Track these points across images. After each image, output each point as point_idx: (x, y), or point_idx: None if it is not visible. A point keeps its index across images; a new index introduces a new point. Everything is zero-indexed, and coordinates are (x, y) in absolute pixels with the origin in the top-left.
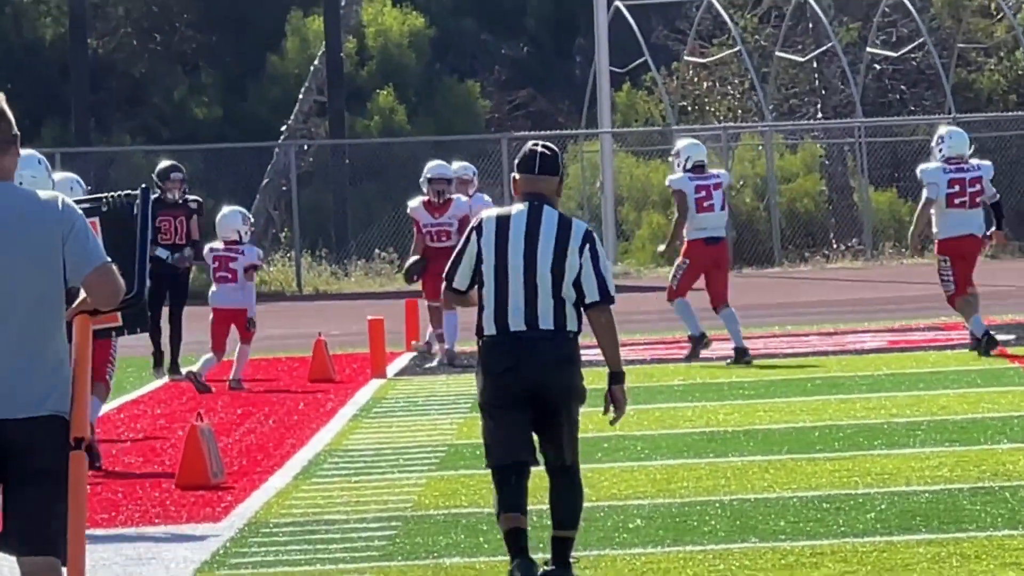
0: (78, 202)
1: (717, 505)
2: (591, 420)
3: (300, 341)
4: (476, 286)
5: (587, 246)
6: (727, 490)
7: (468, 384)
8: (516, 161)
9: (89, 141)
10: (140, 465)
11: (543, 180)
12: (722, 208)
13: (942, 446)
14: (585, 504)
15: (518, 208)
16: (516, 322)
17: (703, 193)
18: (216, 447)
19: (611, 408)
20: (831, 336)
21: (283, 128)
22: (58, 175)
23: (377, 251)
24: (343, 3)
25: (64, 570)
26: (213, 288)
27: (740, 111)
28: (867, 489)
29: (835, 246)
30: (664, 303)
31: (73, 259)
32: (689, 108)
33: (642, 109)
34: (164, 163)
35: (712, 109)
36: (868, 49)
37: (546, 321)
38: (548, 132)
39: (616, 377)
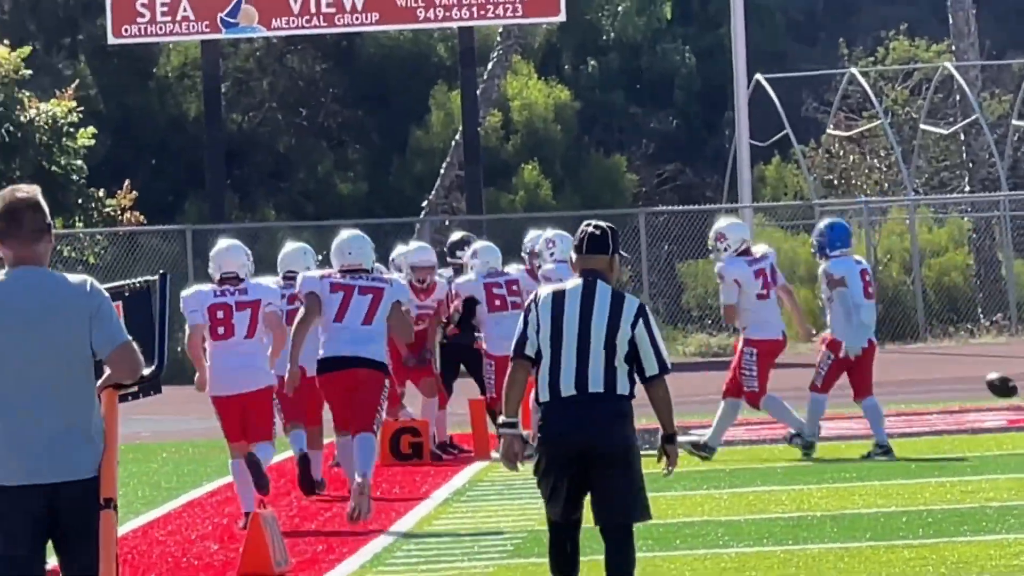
0: (107, 287)
1: None
2: (681, 505)
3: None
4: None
5: (640, 320)
6: None
7: None
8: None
9: (223, 217)
10: (214, 553)
11: (593, 258)
12: None
13: None
14: None
15: (573, 283)
16: (567, 387)
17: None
18: (280, 535)
19: (664, 459)
20: (952, 415)
21: (424, 203)
22: (290, 245)
23: None
24: (484, 77)
25: None
26: None
27: (887, 184)
28: None
29: (981, 321)
30: (794, 382)
31: (99, 337)
32: (835, 182)
33: (791, 183)
34: (457, 235)
35: (858, 183)
36: (1014, 122)
37: (596, 385)
38: (688, 207)
39: (669, 438)
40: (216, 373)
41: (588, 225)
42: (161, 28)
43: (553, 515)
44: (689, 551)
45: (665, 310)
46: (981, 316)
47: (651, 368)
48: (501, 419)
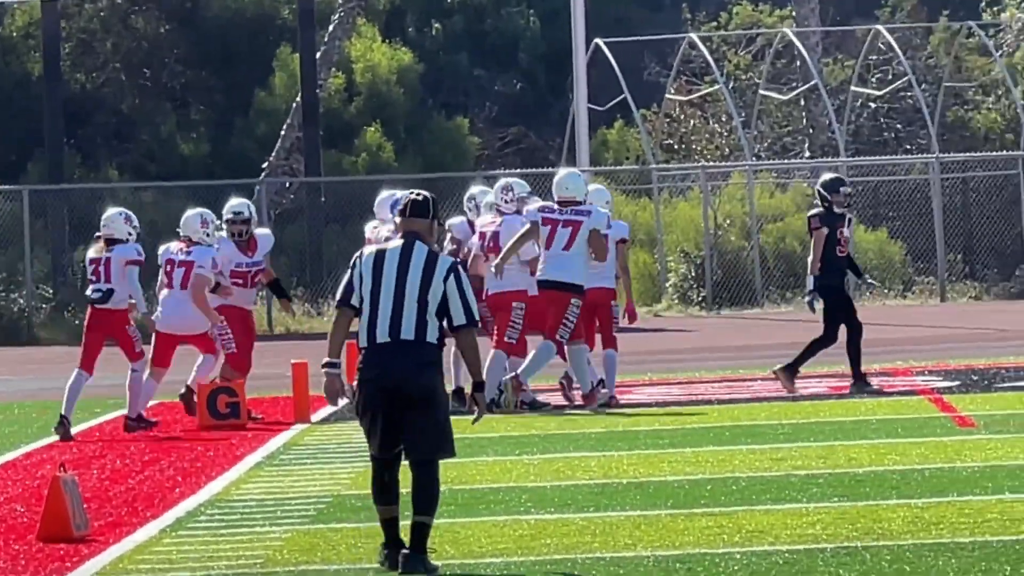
0: None
1: (568, 564)
2: (491, 471)
3: (267, 382)
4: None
5: (451, 276)
6: (587, 548)
7: None
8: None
9: (62, 177)
10: (19, 515)
11: (414, 221)
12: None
13: (829, 501)
14: (438, 562)
15: (395, 243)
16: (382, 334)
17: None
18: (80, 498)
19: (475, 409)
20: (775, 381)
21: (264, 165)
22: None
23: None
24: (326, 38)
25: None
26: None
27: (728, 149)
28: (729, 548)
29: None
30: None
31: None
32: (676, 146)
33: (634, 147)
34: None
35: (699, 147)
36: (853, 88)
37: (408, 333)
38: (525, 170)
39: (479, 386)
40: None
41: (411, 192)
42: None
43: (372, 449)
44: (490, 517)
45: None
46: None
47: (459, 319)
48: (325, 360)
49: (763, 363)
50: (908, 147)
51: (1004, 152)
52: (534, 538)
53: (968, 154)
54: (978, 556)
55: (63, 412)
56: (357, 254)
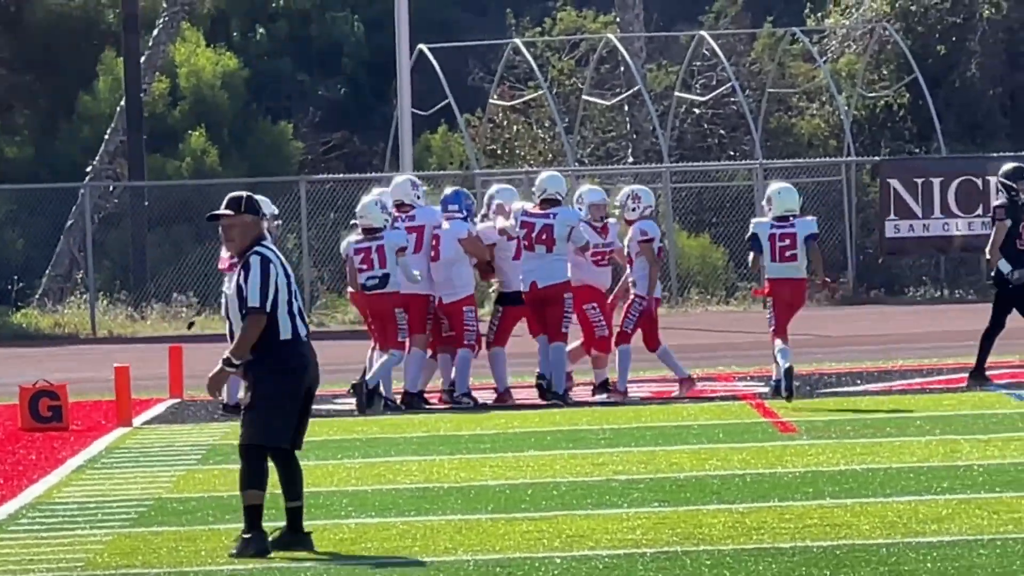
0: None
1: (388, 569)
2: (311, 475)
3: (89, 385)
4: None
5: None
6: (408, 552)
7: (207, 434)
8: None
9: None
10: None
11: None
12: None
13: (650, 506)
14: (255, 567)
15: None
16: (303, 330)
17: None
18: None
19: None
20: (595, 386)
21: (88, 168)
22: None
23: (176, 295)
24: (151, 43)
25: None
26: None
27: (551, 155)
28: (549, 553)
29: None
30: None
31: None
32: (499, 151)
33: (457, 152)
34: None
35: (523, 152)
36: (677, 94)
37: (306, 330)
38: (348, 176)
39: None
40: None
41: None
42: None
43: (280, 440)
44: (310, 521)
45: (330, 278)
46: None
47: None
48: (227, 356)
49: (588, 368)
50: (732, 153)
51: (828, 158)
52: (354, 542)
53: (792, 160)
54: (798, 561)
55: (408, 389)
56: (265, 258)
